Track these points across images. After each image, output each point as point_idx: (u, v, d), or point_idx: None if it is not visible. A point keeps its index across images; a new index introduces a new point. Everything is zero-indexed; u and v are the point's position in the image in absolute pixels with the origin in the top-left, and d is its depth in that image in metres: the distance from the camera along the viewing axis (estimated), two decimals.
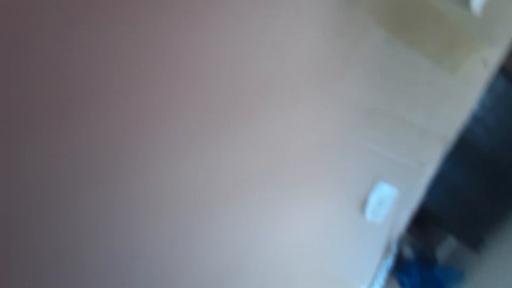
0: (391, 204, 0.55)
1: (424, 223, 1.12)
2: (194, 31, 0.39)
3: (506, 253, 0.96)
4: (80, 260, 0.41)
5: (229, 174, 0.46)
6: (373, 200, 0.54)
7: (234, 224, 0.48)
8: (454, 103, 0.52)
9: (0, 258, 0.38)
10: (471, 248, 1.01)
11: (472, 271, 1.01)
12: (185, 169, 0.44)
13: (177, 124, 0.42)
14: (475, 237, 1.01)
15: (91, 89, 0.37)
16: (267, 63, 0.43)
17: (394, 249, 0.58)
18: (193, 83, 0.41)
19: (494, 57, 0.51)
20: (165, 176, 0.43)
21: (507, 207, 0.99)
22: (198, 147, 0.44)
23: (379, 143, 0.52)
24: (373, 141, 0.51)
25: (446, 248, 1.14)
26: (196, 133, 0.43)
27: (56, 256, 0.39)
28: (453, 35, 0.48)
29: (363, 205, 0.54)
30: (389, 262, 0.58)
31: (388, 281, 0.64)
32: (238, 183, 0.47)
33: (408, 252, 1.13)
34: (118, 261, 0.43)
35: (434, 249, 1.15)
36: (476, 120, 0.94)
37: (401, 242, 1.08)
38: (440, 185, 0.93)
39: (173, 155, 0.42)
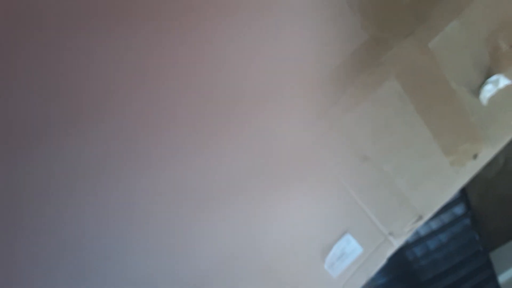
0: (351, 262, 0.53)
1: None
2: (195, 37, 0.41)
3: None
4: (78, 257, 0.41)
5: (223, 173, 0.45)
6: (336, 250, 0.52)
7: (226, 222, 0.46)
8: (439, 183, 0.54)
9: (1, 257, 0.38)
10: None
11: None
12: (181, 168, 0.43)
13: (173, 126, 0.42)
14: None
15: (100, 92, 0.38)
16: (264, 69, 0.44)
17: None
18: (192, 86, 0.42)
19: (485, 153, 0.54)
20: (160, 175, 0.42)
21: None
22: (194, 146, 0.43)
23: (361, 194, 0.51)
24: (357, 189, 0.51)
25: None
26: (192, 133, 0.43)
27: (55, 251, 0.39)
28: (456, 115, 0.51)
29: (324, 252, 0.51)
30: None
31: None
32: (231, 182, 0.46)
33: None
34: (111, 259, 0.42)
35: None
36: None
37: None
38: None
39: (169, 154, 0.42)
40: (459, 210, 0.96)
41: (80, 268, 0.40)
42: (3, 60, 0.35)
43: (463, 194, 0.91)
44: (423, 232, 0.98)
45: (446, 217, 0.98)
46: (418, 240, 0.98)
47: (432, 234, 0.98)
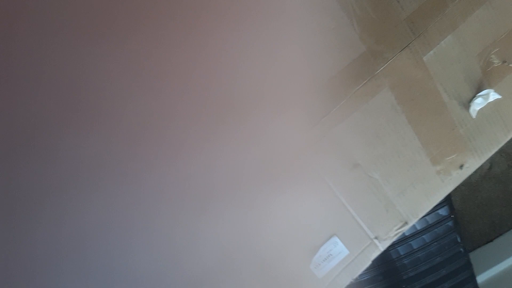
0: (336, 264, 0.54)
1: None
2: (195, 39, 0.42)
3: None
4: (82, 256, 0.41)
5: (220, 174, 0.46)
6: (322, 252, 0.53)
7: (223, 222, 0.47)
8: (425, 191, 0.55)
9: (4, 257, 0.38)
10: None
11: None
12: (180, 168, 0.44)
13: (173, 127, 0.43)
14: None
15: (103, 93, 0.39)
16: (263, 75, 0.45)
17: None
18: (192, 89, 0.43)
19: (471, 164, 0.55)
20: (160, 175, 0.43)
21: None
22: (195, 146, 0.44)
23: (349, 200, 0.53)
24: (345, 194, 0.52)
25: None
26: (194, 132, 0.44)
27: (58, 250, 0.40)
28: (446, 127, 0.53)
29: (312, 252, 0.53)
30: None
31: None
32: (228, 183, 0.47)
33: None
34: (113, 257, 0.43)
35: None
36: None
37: None
38: None
39: (168, 154, 0.43)
40: (443, 211, 0.98)
41: (83, 267, 0.40)
42: (5, 61, 0.35)
43: (448, 197, 0.93)
44: (407, 232, 1.00)
45: (430, 218, 1.00)
46: (402, 240, 1.00)
47: (416, 234, 1.00)
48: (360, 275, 0.98)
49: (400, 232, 0.56)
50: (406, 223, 0.56)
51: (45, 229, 0.39)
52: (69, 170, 0.39)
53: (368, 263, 0.56)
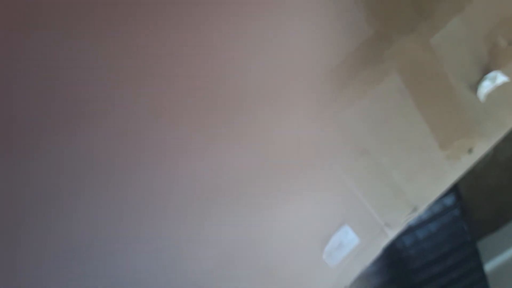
0: (348, 252, 0.54)
1: None
2: (195, 35, 0.41)
3: None
4: (79, 259, 0.40)
5: (225, 173, 0.46)
6: (334, 241, 0.53)
7: (228, 222, 0.47)
8: (434, 177, 0.55)
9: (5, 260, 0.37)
10: None
11: None
12: (183, 169, 0.43)
13: (174, 124, 0.42)
14: None
15: (97, 90, 0.38)
16: (266, 68, 0.44)
17: None
18: (192, 86, 0.42)
19: (480, 148, 0.55)
20: (160, 175, 0.42)
21: None
22: (194, 147, 0.44)
23: (359, 187, 0.52)
24: (355, 182, 0.52)
25: None
26: (193, 133, 0.43)
27: (58, 253, 0.39)
28: (454, 110, 0.52)
29: (323, 242, 0.53)
30: None
31: None
32: (233, 181, 0.46)
33: None
34: (115, 260, 0.42)
35: None
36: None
37: None
38: None
39: (170, 154, 0.43)
40: (449, 201, 0.97)
41: (85, 270, 0.40)
42: (4, 59, 0.34)
43: (454, 185, 0.93)
44: (413, 222, 0.99)
45: (436, 207, 1.00)
46: (407, 230, 1.00)
47: (422, 223, 1.00)
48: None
49: (409, 218, 0.56)
50: (415, 209, 0.56)
51: (43, 232, 0.38)
52: (69, 172, 0.38)
53: (378, 251, 0.56)
